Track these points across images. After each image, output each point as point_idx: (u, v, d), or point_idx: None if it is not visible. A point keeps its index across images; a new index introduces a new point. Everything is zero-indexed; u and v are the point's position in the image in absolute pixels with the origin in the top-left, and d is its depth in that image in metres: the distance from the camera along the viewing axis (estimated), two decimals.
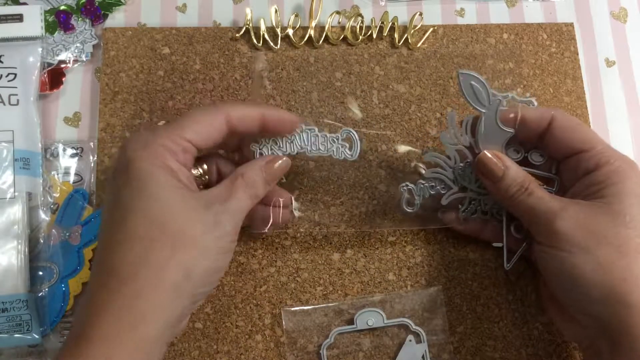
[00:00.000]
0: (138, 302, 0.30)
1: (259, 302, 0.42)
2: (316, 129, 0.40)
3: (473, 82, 0.39)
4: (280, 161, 0.38)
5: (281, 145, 0.40)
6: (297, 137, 0.40)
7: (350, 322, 0.42)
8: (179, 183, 0.33)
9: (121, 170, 0.33)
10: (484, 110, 0.39)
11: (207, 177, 0.39)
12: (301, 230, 0.44)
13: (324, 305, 0.42)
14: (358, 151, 0.40)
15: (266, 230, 0.41)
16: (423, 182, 0.41)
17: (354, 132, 0.40)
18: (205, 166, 0.38)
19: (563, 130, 0.38)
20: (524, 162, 0.40)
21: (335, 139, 0.40)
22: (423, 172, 0.41)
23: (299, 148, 0.40)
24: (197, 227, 0.32)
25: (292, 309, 0.42)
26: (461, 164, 0.41)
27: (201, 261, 0.32)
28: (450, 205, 0.42)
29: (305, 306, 0.42)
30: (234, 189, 0.35)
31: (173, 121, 0.35)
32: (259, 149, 0.39)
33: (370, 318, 0.41)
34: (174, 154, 0.33)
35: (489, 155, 0.39)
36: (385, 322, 0.41)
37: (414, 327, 0.41)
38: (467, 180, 0.41)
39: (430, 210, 0.43)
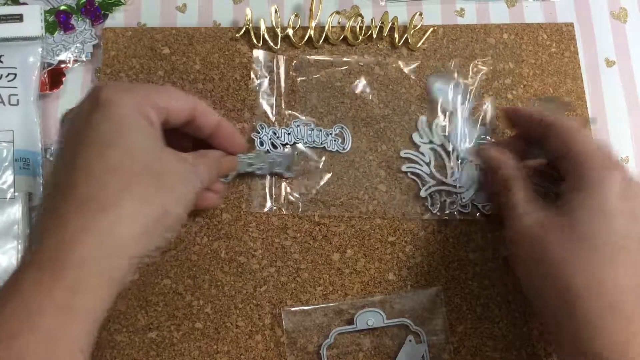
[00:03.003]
0: (110, 236, 0.30)
1: (259, 302, 0.42)
2: (312, 124, 0.45)
3: (441, 87, 0.46)
4: (231, 159, 0.41)
5: (279, 136, 0.44)
6: (294, 129, 0.45)
7: (350, 322, 0.42)
8: (155, 131, 0.34)
9: (96, 108, 0.32)
10: (453, 111, 0.46)
11: None
12: (301, 229, 0.44)
13: (324, 305, 0.42)
14: (349, 145, 0.45)
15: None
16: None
17: (346, 128, 0.45)
18: None
19: (556, 135, 0.38)
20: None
21: (328, 133, 0.45)
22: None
23: (296, 139, 0.45)
24: (176, 175, 0.33)
25: (292, 309, 0.42)
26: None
27: (177, 206, 0.33)
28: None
29: (305, 306, 0.42)
30: (199, 161, 0.37)
31: (149, 85, 0.36)
32: (260, 138, 0.44)
33: (370, 318, 0.41)
34: (153, 106, 0.34)
35: (492, 151, 0.41)
36: (385, 322, 0.41)
37: (414, 327, 0.41)
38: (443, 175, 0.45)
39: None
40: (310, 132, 0.45)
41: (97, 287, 0.29)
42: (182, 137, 0.39)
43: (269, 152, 0.44)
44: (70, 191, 0.30)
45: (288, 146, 0.45)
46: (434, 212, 0.44)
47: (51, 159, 0.45)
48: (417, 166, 0.45)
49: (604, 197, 0.33)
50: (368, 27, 0.48)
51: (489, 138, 0.46)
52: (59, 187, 0.31)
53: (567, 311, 0.33)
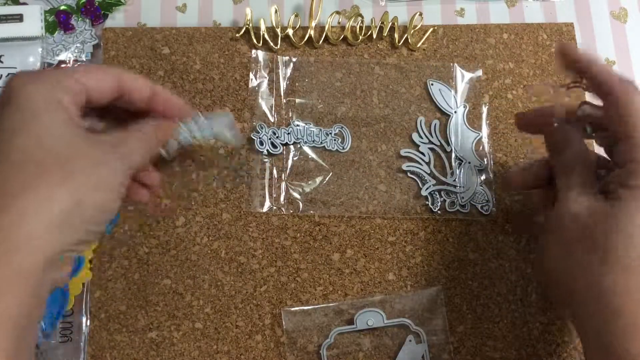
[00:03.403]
0: (15, 231, 0.28)
1: (259, 302, 0.42)
2: (312, 124, 0.45)
3: (441, 90, 0.46)
4: (167, 124, 0.37)
5: (279, 135, 0.44)
6: (293, 129, 0.44)
7: (350, 322, 0.42)
8: (68, 117, 0.31)
9: (7, 100, 0.31)
10: (452, 114, 0.46)
11: None
12: (301, 229, 0.44)
13: (324, 305, 0.42)
14: (349, 144, 0.45)
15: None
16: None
17: (346, 128, 0.45)
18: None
19: (613, 111, 0.34)
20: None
21: (328, 133, 0.45)
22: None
23: (296, 139, 0.45)
24: (88, 159, 0.31)
25: (292, 309, 0.42)
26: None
27: (94, 194, 0.30)
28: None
29: (305, 306, 0.42)
30: (127, 138, 0.34)
31: (64, 69, 0.34)
32: (259, 138, 0.44)
33: (370, 318, 0.41)
34: (66, 91, 0.32)
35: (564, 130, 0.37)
36: (385, 322, 0.41)
37: (414, 327, 0.41)
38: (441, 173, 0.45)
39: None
40: (310, 132, 0.45)
41: (10, 287, 0.27)
42: (122, 113, 0.36)
43: (201, 119, 0.38)
44: None
45: (289, 146, 0.45)
46: (434, 211, 0.44)
47: None
48: (417, 165, 0.45)
49: None
50: (368, 27, 0.48)
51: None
52: None
53: (599, 308, 0.32)
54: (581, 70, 0.36)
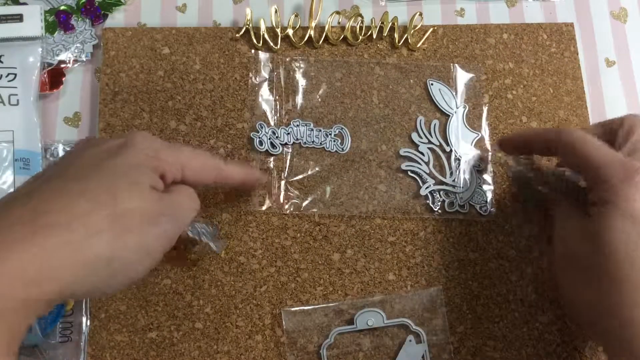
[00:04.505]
0: (37, 265, 0.26)
1: (259, 302, 0.42)
2: (312, 124, 0.45)
3: (441, 90, 0.46)
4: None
5: (279, 135, 0.45)
6: (293, 129, 0.45)
7: (350, 322, 0.42)
8: (153, 182, 0.32)
9: (122, 141, 0.33)
10: (451, 114, 0.46)
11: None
12: (301, 229, 0.44)
13: (324, 305, 0.42)
14: (348, 145, 0.45)
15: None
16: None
17: (346, 128, 0.45)
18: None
19: (566, 152, 0.37)
20: None
21: (328, 134, 0.45)
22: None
23: (295, 139, 0.45)
24: (146, 215, 0.31)
25: (292, 309, 0.42)
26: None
27: (129, 252, 0.30)
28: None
29: (305, 306, 0.42)
30: (183, 200, 0.34)
31: (183, 146, 0.37)
32: (259, 138, 0.44)
33: (370, 318, 0.41)
34: (166, 164, 0.33)
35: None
36: (385, 322, 0.41)
37: (414, 327, 0.41)
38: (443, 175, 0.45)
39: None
40: (309, 132, 0.45)
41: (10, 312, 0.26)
42: None
43: (201, 226, 0.41)
44: (34, 198, 0.29)
45: (288, 146, 0.45)
46: (434, 210, 0.44)
47: (51, 159, 0.45)
48: (416, 165, 0.45)
49: (633, 209, 0.33)
50: (368, 27, 0.48)
51: None
52: (39, 182, 0.30)
53: (601, 321, 0.33)
54: (520, 147, 0.42)
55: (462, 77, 0.47)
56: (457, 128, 0.46)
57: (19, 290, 0.26)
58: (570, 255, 0.36)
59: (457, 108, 0.46)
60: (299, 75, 0.47)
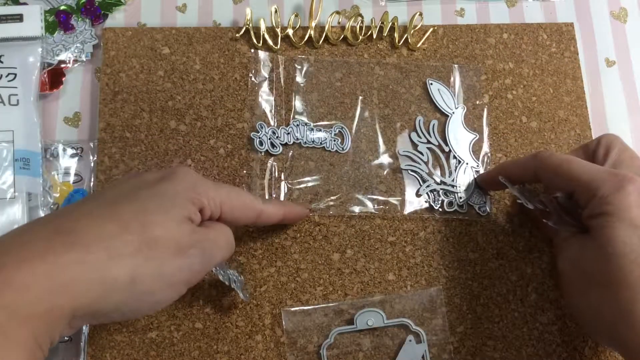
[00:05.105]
0: (69, 270, 0.27)
1: (259, 302, 0.42)
2: (312, 124, 0.45)
3: (440, 89, 0.46)
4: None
5: (279, 135, 0.45)
6: (293, 129, 0.45)
7: (350, 322, 0.42)
8: (189, 216, 0.32)
9: (167, 170, 0.33)
10: (450, 114, 0.46)
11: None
12: (301, 229, 0.44)
13: (324, 305, 0.42)
14: (349, 145, 0.45)
15: None
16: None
17: (346, 128, 0.45)
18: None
19: (547, 175, 0.37)
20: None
21: (328, 133, 0.45)
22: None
23: (295, 139, 0.45)
24: (174, 243, 0.31)
25: (292, 309, 0.42)
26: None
27: (152, 280, 0.30)
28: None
29: (305, 306, 0.42)
30: (218, 235, 0.34)
31: (224, 184, 0.37)
32: (259, 138, 0.44)
33: (370, 318, 0.41)
34: (207, 201, 0.33)
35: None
36: (385, 322, 0.41)
37: (414, 327, 0.41)
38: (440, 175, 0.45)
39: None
40: (309, 132, 0.45)
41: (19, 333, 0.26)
42: None
43: (233, 273, 0.41)
44: (65, 218, 0.30)
45: (289, 146, 0.45)
46: (435, 209, 0.44)
47: (51, 159, 0.45)
48: (416, 165, 0.45)
49: (631, 217, 0.33)
50: (368, 27, 0.48)
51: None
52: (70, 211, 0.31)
53: (621, 343, 0.33)
54: (498, 184, 0.41)
55: (462, 77, 0.47)
56: (456, 128, 0.46)
57: (40, 301, 0.26)
58: (578, 276, 0.35)
59: (455, 108, 0.46)
60: (299, 75, 0.47)
